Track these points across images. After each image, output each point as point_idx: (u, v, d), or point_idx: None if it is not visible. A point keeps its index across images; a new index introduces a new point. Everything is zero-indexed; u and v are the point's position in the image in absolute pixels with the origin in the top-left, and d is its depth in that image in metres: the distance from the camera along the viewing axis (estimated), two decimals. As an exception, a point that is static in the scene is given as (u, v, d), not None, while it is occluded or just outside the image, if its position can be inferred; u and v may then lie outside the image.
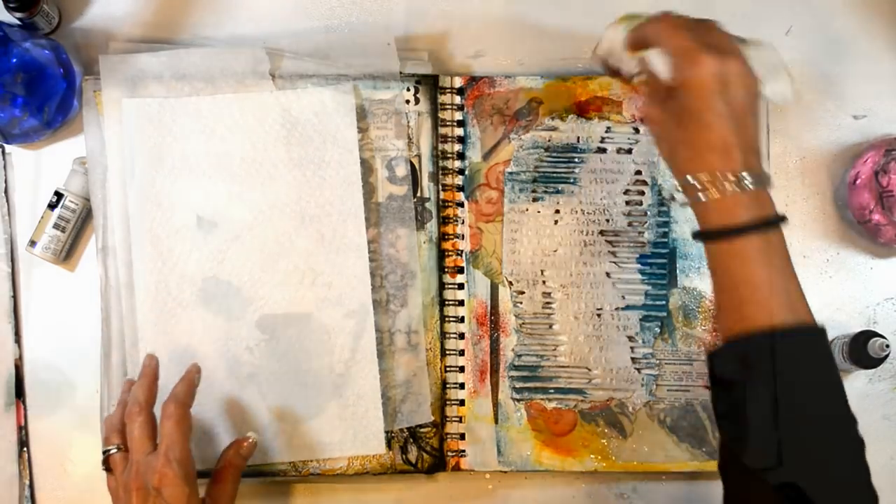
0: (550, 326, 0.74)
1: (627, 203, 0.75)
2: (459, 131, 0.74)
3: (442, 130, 0.74)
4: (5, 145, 0.73)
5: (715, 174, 0.52)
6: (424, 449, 0.73)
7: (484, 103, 0.75)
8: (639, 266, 0.75)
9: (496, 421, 0.73)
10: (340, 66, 0.73)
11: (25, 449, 0.71)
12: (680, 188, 0.55)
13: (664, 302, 0.74)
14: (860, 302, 0.77)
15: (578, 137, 0.75)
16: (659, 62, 0.54)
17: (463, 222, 0.74)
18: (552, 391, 0.74)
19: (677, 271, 0.75)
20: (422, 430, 0.73)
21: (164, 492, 0.58)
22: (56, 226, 0.71)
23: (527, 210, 0.75)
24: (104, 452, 0.62)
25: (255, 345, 0.71)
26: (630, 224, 0.75)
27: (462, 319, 0.74)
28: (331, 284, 0.71)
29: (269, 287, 0.71)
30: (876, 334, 0.70)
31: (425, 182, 0.74)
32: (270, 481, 0.71)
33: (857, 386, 0.75)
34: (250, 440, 0.65)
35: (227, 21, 0.75)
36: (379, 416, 0.71)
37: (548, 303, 0.74)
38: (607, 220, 0.75)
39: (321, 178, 0.71)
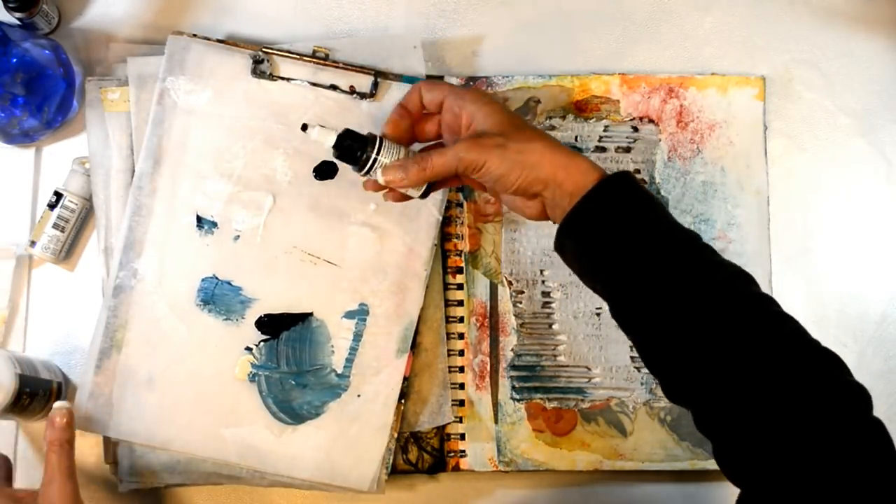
0: (550, 326, 0.74)
1: (627, 202, 0.75)
2: (458, 131, 0.74)
3: (441, 130, 0.74)
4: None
5: None
6: (425, 449, 0.73)
7: (483, 103, 0.75)
8: (638, 265, 0.75)
9: (496, 421, 0.73)
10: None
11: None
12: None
13: (664, 301, 0.74)
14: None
15: (577, 136, 0.75)
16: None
17: (462, 223, 0.74)
18: (552, 391, 0.73)
19: (676, 270, 0.74)
20: (422, 430, 0.73)
21: None
22: (56, 226, 0.71)
23: (526, 209, 0.75)
24: None
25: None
26: (629, 223, 0.75)
27: (461, 319, 0.74)
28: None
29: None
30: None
31: (424, 182, 0.74)
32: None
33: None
34: (61, 412, 0.61)
35: (226, 21, 0.76)
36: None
37: (547, 302, 0.74)
38: (606, 220, 0.75)
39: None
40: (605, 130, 0.75)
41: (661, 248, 0.54)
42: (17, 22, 0.71)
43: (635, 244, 0.54)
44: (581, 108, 0.75)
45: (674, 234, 0.55)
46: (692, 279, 0.53)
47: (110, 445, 0.70)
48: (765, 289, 0.74)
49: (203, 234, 0.71)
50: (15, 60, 0.69)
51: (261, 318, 0.71)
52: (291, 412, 0.70)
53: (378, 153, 0.60)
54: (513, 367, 0.74)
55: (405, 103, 0.63)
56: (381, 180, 0.60)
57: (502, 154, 0.56)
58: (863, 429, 0.48)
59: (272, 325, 0.71)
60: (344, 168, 0.70)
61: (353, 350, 0.71)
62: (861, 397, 0.49)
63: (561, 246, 0.58)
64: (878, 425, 0.48)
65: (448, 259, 0.74)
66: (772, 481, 0.48)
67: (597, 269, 0.56)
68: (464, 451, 0.73)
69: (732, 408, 0.50)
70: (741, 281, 0.53)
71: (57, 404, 0.61)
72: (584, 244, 0.56)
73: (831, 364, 0.50)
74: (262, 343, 0.71)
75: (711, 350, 0.51)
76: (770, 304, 0.53)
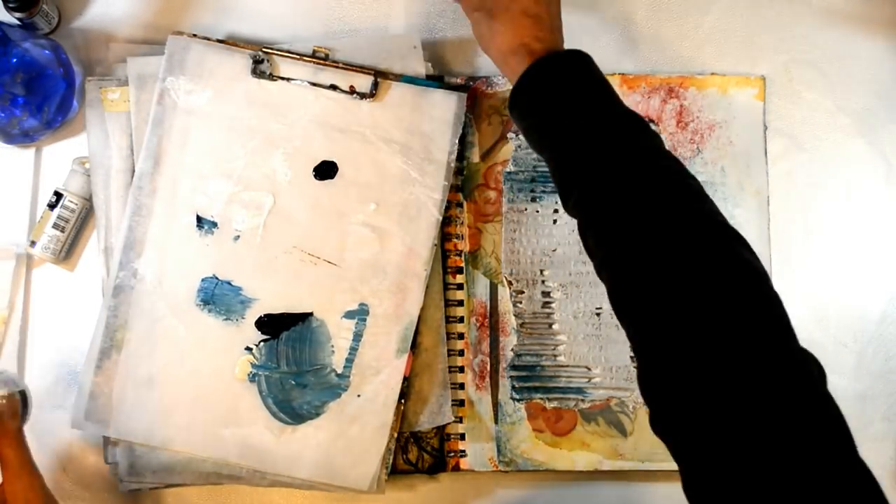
0: (550, 326, 0.74)
1: (627, 202, 0.75)
2: (458, 131, 0.75)
3: (441, 130, 0.74)
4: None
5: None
6: (425, 449, 0.73)
7: (482, 103, 0.75)
8: (638, 265, 0.75)
9: (496, 421, 0.73)
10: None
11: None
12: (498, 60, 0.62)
13: (664, 301, 0.74)
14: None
15: (577, 137, 0.75)
16: None
17: (462, 223, 0.74)
18: (552, 391, 0.73)
19: (676, 270, 0.74)
20: (422, 430, 0.73)
21: None
22: (56, 226, 0.71)
23: (525, 210, 0.75)
24: None
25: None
26: (629, 223, 0.75)
27: (462, 319, 0.74)
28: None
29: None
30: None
31: (424, 182, 0.74)
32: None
33: (858, 389, 0.75)
34: (4, 403, 0.60)
35: (226, 21, 0.76)
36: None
37: (547, 302, 0.74)
38: (606, 220, 0.75)
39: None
40: (605, 130, 0.75)
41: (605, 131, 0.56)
42: (17, 22, 0.71)
43: (579, 121, 0.57)
44: (581, 108, 0.75)
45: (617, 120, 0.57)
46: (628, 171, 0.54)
47: (110, 445, 0.70)
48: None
49: (203, 234, 0.71)
50: (15, 60, 0.69)
51: (261, 318, 0.71)
52: (291, 412, 0.70)
53: None
54: (513, 367, 0.74)
55: None
56: None
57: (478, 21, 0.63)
58: (812, 408, 0.46)
59: (272, 325, 0.71)
60: (344, 168, 0.70)
61: (353, 350, 0.71)
62: (806, 367, 0.47)
63: (511, 108, 0.61)
64: (827, 400, 0.46)
65: (448, 259, 0.74)
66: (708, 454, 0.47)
67: (543, 133, 0.59)
68: (464, 451, 0.73)
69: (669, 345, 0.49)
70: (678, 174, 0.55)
71: None
72: (533, 108, 0.59)
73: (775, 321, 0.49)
74: (262, 343, 0.71)
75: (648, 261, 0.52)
76: (702, 201, 0.54)
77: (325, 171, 0.72)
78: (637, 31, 0.78)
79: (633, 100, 0.75)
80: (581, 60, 0.59)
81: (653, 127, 0.75)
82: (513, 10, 0.61)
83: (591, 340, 0.74)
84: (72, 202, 0.71)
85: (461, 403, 0.73)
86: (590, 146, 0.56)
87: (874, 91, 0.79)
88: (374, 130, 0.72)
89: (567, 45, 0.77)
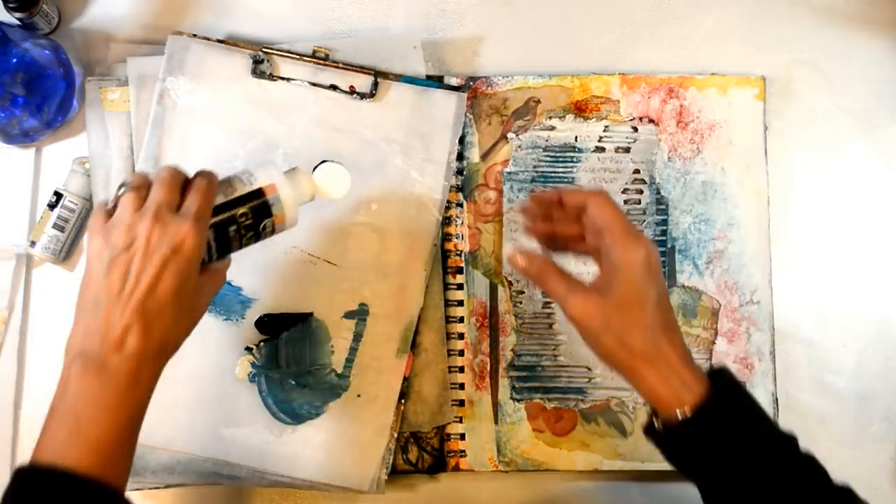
0: (550, 326, 0.74)
1: (626, 202, 0.75)
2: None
3: (441, 130, 0.74)
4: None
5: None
6: (425, 449, 0.73)
7: (482, 103, 0.75)
8: (638, 265, 0.75)
9: (496, 421, 0.73)
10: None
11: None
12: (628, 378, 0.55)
13: (663, 301, 0.74)
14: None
15: (577, 137, 0.75)
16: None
17: (462, 223, 0.74)
18: (552, 391, 0.73)
19: (676, 270, 0.75)
20: (422, 430, 0.73)
21: (184, 249, 0.51)
22: (56, 226, 0.71)
23: (526, 209, 0.75)
24: (119, 188, 0.54)
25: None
26: (629, 223, 0.75)
27: (461, 319, 0.74)
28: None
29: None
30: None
31: (424, 182, 0.74)
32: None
33: (858, 389, 0.75)
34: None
35: (226, 21, 0.76)
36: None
37: (547, 302, 0.74)
38: (606, 220, 0.75)
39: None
40: (604, 130, 0.75)
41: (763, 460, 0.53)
42: (17, 22, 0.71)
43: (739, 455, 0.53)
44: (581, 108, 0.75)
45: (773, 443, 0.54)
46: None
47: (110, 445, 0.70)
48: (765, 288, 0.74)
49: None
50: (15, 60, 0.69)
51: (261, 318, 0.71)
52: (291, 412, 0.70)
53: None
54: (513, 367, 0.74)
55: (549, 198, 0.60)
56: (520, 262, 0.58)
57: (598, 340, 0.54)
58: None
59: (272, 325, 0.71)
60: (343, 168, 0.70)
61: (353, 350, 0.71)
62: None
63: (657, 441, 0.56)
64: None
65: (448, 259, 0.74)
66: None
67: (694, 469, 0.55)
68: (464, 451, 0.73)
69: None
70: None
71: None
72: (688, 453, 0.55)
73: None
74: (262, 343, 0.71)
75: None
76: None
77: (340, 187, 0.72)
78: (637, 31, 0.78)
79: (633, 100, 0.75)
80: (737, 403, 0.55)
81: (653, 127, 0.75)
82: (663, 354, 0.54)
83: (591, 340, 0.74)
84: (72, 202, 0.71)
85: (461, 403, 0.73)
86: (751, 477, 0.53)
87: (874, 91, 0.79)
88: (374, 130, 0.72)
89: (566, 45, 0.78)
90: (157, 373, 0.52)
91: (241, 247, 0.58)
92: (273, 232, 0.59)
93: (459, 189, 0.74)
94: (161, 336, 0.51)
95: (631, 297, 0.54)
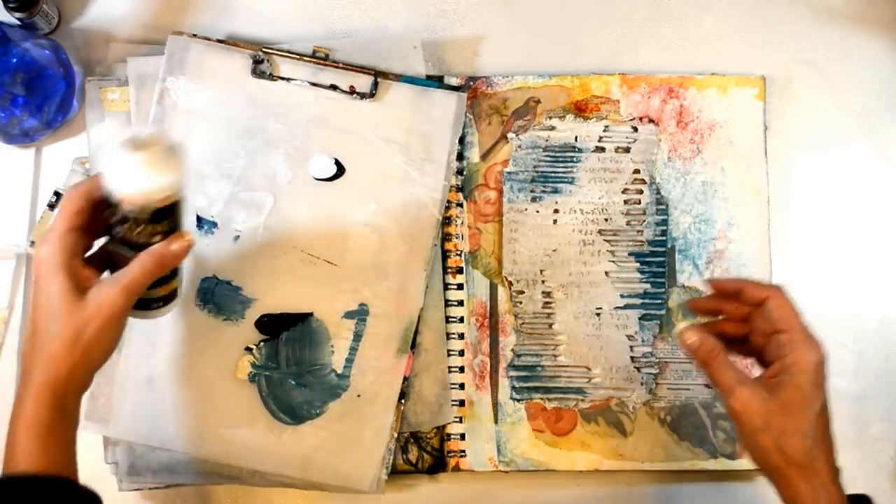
0: (550, 326, 0.74)
1: (626, 202, 0.75)
2: (458, 131, 0.75)
3: (441, 130, 0.74)
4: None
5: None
6: (425, 449, 0.73)
7: (482, 103, 0.75)
8: (637, 265, 0.75)
9: (496, 421, 0.73)
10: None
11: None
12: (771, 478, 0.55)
13: (663, 300, 0.74)
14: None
15: (577, 137, 0.75)
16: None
17: (462, 223, 0.74)
18: (552, 391, 0.73)
19: (676, 269, 0.75)
20: (422, 430, 0.73)
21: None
22: (56, 226, 0.71)
23: (525, 210, 0.75)
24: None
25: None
26: (629, 223, 0.75)
27: (461, 319, 0.74)
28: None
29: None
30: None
31: (424, 182, 0.74)
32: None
33: (858, 389, 0.75)
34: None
35: (226, 21, 0.76)
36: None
37: (547, 302, 0.74)
38: (606, 220, 0.75)
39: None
40: (604, 130, 0.75)
41: None
42: (17, 22, 0.71)
43: None
44: (581, 108, 0.75)
45: None
46: None
47: (110, 445, 0.70)
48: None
49: (203, 234, 0.71)
50: (15, 60, 0.69)
51: (261, 318, 0.71)
52: (291, 412, 0.70)
53: None
54: (513, 367, 0.74)
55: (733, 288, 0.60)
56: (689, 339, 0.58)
57: (755, 440, 0.55)
58: None
59: (272, 325, 0.71)
60: (343, 168, 0.70)
61: (353, 350, 0.71)
62: None
63: None
64: None
65: (448, 259, 0.74)
66: None
67: None
68: (464, 451, 0.73)
69: None
70: None
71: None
72: None
73: None
74: (262, 343, 0.71)
75: None
76: None
77: (328, 171, 0.72)
78: (637, 31, 0.78)
79: (633, 100, 0.75)
80: None
81: (653, 127, 0.75)
82: (816, 468, 0.54)
83: (591, 340, 0.74)
84: (72, 202, 0.71)
85: (461, 403, 0.73)
86: None
87: (874, 91, 0.79)
88: (374, 130, 0.72)
89: (566, 45, 0.77)
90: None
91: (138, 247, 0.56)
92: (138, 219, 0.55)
93: (459, 189, 0.74)
94: None
95: (798, 401, 0.54)
